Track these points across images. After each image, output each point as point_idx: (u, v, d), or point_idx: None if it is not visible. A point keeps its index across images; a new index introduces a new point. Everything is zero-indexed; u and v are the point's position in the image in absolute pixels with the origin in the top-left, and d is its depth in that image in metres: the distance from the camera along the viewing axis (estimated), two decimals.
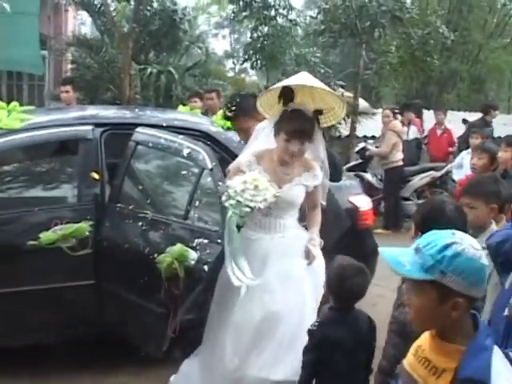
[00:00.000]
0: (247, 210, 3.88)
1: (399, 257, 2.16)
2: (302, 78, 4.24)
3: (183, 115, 6.35)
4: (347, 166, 11.10)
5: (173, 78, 13.58)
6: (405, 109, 12.06)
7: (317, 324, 3.55)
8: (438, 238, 2.14)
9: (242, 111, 4.80)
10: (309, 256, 4.14)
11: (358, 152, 11.59)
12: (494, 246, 3.10)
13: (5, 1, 12.10)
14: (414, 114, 12.20)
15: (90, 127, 5.13)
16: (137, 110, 6.31)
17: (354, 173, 9.84)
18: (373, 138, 13.80)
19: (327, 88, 4.27)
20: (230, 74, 29.26)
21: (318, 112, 4.19)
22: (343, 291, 3.51)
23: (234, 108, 4.85)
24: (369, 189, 10.40)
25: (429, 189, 10.70)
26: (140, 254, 4.55)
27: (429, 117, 13.59)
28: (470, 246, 2.08)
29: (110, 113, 6.11)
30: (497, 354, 2.09)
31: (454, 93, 22.18)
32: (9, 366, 4.71)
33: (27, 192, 5.33)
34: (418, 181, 10.77)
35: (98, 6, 14.85)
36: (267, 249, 4.17)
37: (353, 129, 13.39)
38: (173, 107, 12.10)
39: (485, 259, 2.11)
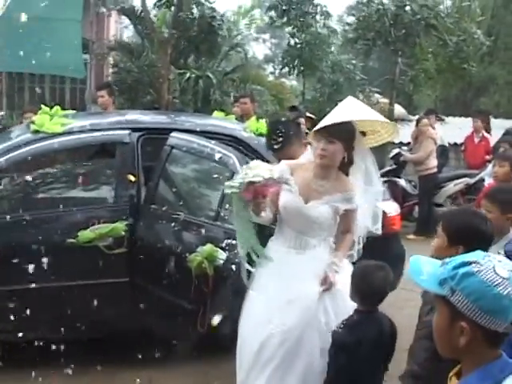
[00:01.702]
0: (237, 184, 3.79)
1: (423, 265, 2.02)
2: (350, 111, 4.03)
3: (217, 121, 6.46)
4: (381, 171, 11.12)
5: (211, 82, 13.66)
6: (429, 114, 12.06)
7: (342, 326, 3.63)
8: (465, 255, 1.97)
9: (287, 141, 4.62)
10: (325, 282, 3.88)
11: (392, 158, 11.62)
12: None
13: (49, 8, 12.56)
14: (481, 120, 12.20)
15: (127, 132, 5.31)
16: (172, 115, 6.49)
17: (387, 178, 9.91)
18: (408, 144, 13.81)
19: (375, 116, 4.10)
20: (270, 77, 29.36)
21: (362, 133, 4.06)
22: (365, 287, 3.60)
23: (280, 140, 4.62)
24: (402, 195, 10.47)
25: (462, 196, 10.66)
26: (172, 253, 4.74)
27: (465, 124, 13.56)
28: (491, 270, 1.87)
29: (146, 118, 6.28)
30: None
31: (492, 99, 21.96)
32: (36, 359, 4.88)
33: (67, 193, 5.56)
34: (452, 187, 10.72)
35: (139, 12, 15.06)
36: (285, 265, 4.00)
37: None
38: (211, 112, 12.27)
39: (509, 289, 1.85)
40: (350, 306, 3.79)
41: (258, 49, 41.29)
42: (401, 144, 12.56)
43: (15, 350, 4.80)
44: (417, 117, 12.59)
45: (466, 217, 3.26)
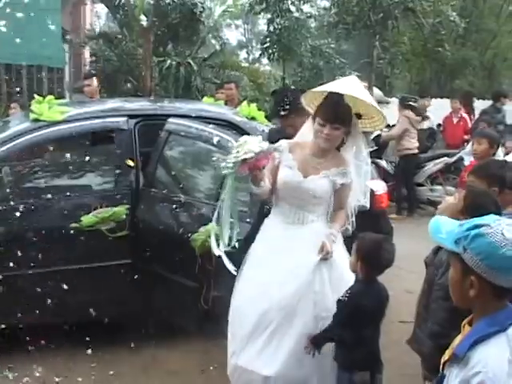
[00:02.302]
0: (231, 165, 3.89)
1: (442, 225, 2.25)
2: (351, 87, 4.14)
3: (209, 106, 6.60)
4: None
5: (192, 69, 13.82)
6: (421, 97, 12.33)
7: (347, 295, 3.80)
8: (479, 218, 2.18)
9: (294, 108, 4.70)
10: (322, 250, 4.00)
11: (373, 139, 11.85)
12: None
13: None
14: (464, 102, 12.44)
15: (124, 118, 5.46)
16: (166, 102, 6.64)
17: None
18: (388, 126, 14.01)
19: (373, 102, 4.20)
20: (244, 64, 29.42)
21: (357, 115, 4.16)
22: (380, 260, 3.79)
23: (287, 106, 4.77)
24: (384, 175, 10.70)
25: (442, 175, 10.89)
26: (174, 234, 4.90)
27: (441, 105, 13.81)
28: (499, 233, 2.09)
29: (142, 105, 6.44)
30: (506, 340, 2.12)
31: (466, 81, 22.31)
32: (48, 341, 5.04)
33: (68, 179, 5.66)
34: (432, 167, 10.93)
35: (117, 0, 15.12)
36: (283, 238, 4.14)
37: None
38: (192, 98, 12.42)
39: None
40: (346, 276, 3.98)
41: (231, 35, 41.22)
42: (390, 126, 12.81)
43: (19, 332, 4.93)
44: (393, 99, 12.87)
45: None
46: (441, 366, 2.31)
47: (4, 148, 5.22)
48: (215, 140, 4.90)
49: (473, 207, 3.21)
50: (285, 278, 4.01)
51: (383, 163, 11.12)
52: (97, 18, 25.70)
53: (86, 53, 18.33)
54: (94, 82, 8.69)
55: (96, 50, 16.30)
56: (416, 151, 10.90)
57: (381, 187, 6.19)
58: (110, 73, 14.68)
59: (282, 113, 4.81)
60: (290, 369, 3.95)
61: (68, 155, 5.60)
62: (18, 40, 12.18)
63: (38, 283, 4.89)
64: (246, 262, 4.23)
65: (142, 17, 13.76)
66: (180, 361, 5.15)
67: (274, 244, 4.14)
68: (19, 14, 12.41)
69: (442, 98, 15.16)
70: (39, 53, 12.65)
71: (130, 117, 5.51)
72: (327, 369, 3.98)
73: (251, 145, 3.85)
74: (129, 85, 14.58)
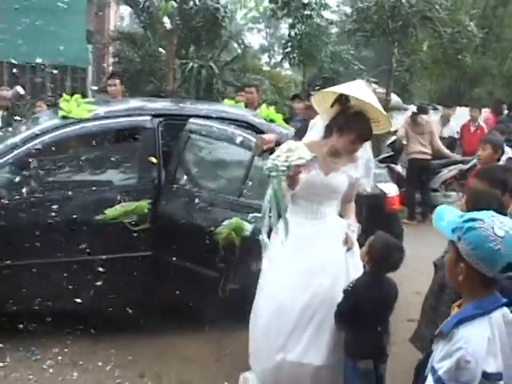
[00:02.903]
0: (284, 168, 4.02)
1: (446, 213, 2.55)
2: (360, 91, 4.26)
3: (230, 108, 6.84)
4: (379, 157, 11.51)
5: (213, 72, 14.00)
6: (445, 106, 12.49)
7: (351, 286, 4.05)
8: (477, 213, 2.45)
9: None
10: (347, 242, 4.28)
11: (389, 145, 12.06)
12: None
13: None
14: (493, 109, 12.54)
15: (148, 117, 5.68)
16: (188, 102, 6.87)
17: (385, 164, 10.30)
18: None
19: (379, 107, 4.30)
20: (266, 67, 29.50)
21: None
22: (387, 263, 4.03)
23: (317, 88, 4.91)
24: (398, 180, 10.87)
25: (456, 181, 11.01)
26: (194, 227, 5.16)
27: (461, 113, 13.88)
28: (490, 228, 2.36)
29: (164, 105, 6.66)
30: (488, 323, 2.38)
31: (485, 89, 22.33)
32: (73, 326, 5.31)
33: (93, 174, 5.88)
34: (446, 173, 11.06)
35: (142, 2, 15.39)
36: (309, 234, 4.31)
37: None
38: (213, 100, 12.64)
39: (500, 245, 2.33)
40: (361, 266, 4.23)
41: (253, 39, 41.38)
42: (396, 132, 12.94)
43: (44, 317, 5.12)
44: (411, 106, 13.00)
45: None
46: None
47: (34, 143, 5.45)
48: (239, 139, 5.16)
49: (476, 206, 3.31)
50: (319, 271, 4.21)
51: (398, 168, 11.27)
52: (120, 19, 26.05)
53: (109, 53, 18.56)
54: (118, 82, 8.82)
55: (119, 50, 16.52)
56: (420, 156, 10.99)
57: (393, 190, 6.40)
58: (132, 73, 14.82)
59: (311, 93, 4.90)
60: (334, 357, 4.15)
61: (94, 151, 5.84)
62: (44, 41, 12.58)
63: (64, 271, 5.12)
64: (269, 259, 4.37)
65: (166, 19, 14.02)
66: (196, 349, 5.35)
67: (299, 240, 4.29)
68: (46, 16, 12.84)
69: (460, 106, 15.21)
70: (64, 53, 12.87)
71: (154, 116, 5.72)
72: None
73: (302, 151, 4.05)
74: (151, 86, 14.71)
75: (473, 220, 2.41)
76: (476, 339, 2.33)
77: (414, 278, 6.36)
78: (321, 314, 4.17)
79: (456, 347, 2.32)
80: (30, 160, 5.56)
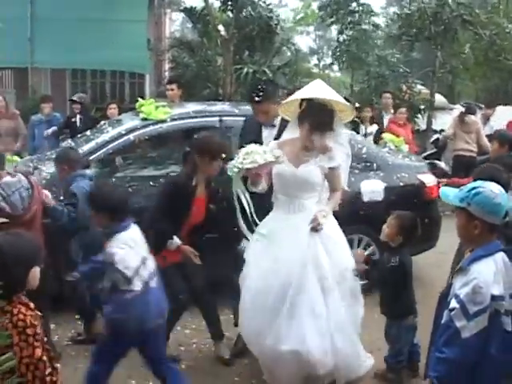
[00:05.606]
0: (236, 170, 4.32)
1: (448, 192, 3.31)
2: (318, 90, 4.58)
3: None
4: (423, 154, 12.06)
5: (267, 77, 14.50)
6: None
7: (396, 262, 4.82)
8: (474, 183, 3.23)
9: (266, 97, 5.22)
10: (313, 221, 4.36)
11: (432, 142, 12.67)
12: None
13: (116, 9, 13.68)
14: None
15: (217, 118, 6.49)
16: (243, 105, 7.60)
17: (429, 161, 10.89)
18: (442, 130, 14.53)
19: (340, 99, 4.63)
20: (315, 70, 29.96)
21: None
22: (414, 236, 4.90)
23: (260, 93, 5.23)
24: (442, 175, 11.44)
25: None
26: None
27: (505, 111, 14.18)
28: (489, 190, 3.15)
29: (224, 107, 7.40)
30: (493, 261, 3.12)
31: None
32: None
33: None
34: None
35: (199, 12, 16.17)
36: (284, 225, 4.51)
37: (429, 122, 14.26)
38: None
39: (499, 199, 3.12)
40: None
41: (302, 41, 41.78)
42: (442, 131, 13.47)
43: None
44: (457, 105, 13.44)
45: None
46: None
47: (118, 142, 6.27)
48: None
49: (483, 177, 3.75)
50: (287, 258, 4.42)
51: (442, 164, 11.73)
52: (177, 27, 26.86)
53: (166, 60, 19.27)
54: (175, 86, 9.29)
55: (176, 57, 17.04)
56: (463, 153, 11.33)
57: (431, 180, 7.11)
58: (189, 79, 15.18)
59: (256, 99, 5.28)
60: (313, 341, 4.32)
61: (170, 148, 6.59)
62: (107, 48, 13.45)
63: None
64: (250, 250, 4.66)
65: (221, 27, 14.80)
66: (193, 336, 5.77)
67: (277, 234, 4.49)
68: (110, 25, 13.67)
69: (506, 105, 15.52)
70: (125, 60, 13.74)
71: (221, 117, 6.49)
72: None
73: (257, 156, 4.32)
74: (207, 90, 15.18)
75: (474, 188, 3.17)
76: (485, 272, 3.09)
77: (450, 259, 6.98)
78: (291, 299, 4.33)
79: (472, 277, 3.09)
80: (117, 156, 6.34)
